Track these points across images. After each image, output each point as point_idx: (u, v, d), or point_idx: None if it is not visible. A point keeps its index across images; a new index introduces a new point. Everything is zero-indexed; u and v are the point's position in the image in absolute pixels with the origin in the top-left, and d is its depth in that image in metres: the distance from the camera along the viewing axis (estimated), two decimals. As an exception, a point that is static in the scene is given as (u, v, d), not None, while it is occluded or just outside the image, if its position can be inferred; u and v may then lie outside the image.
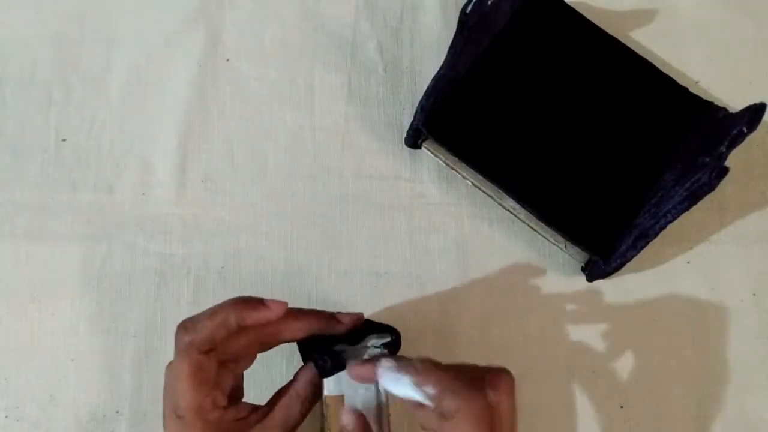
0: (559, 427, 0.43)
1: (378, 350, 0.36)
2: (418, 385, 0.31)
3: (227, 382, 0.34)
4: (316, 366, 0.35)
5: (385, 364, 0.32)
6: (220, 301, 0.44)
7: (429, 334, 0.44)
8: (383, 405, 0.34)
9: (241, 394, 0.36)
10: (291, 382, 0.35)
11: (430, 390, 0.31)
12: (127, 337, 0.43)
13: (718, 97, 0.48)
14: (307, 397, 0.34)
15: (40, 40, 0.48)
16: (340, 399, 0.34)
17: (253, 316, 0.33)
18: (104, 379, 0.42)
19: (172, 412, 0.32)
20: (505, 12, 0.46)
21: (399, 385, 0.31)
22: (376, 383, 0.34)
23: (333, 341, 0.35)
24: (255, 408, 0.34)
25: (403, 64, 0.49)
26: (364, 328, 0.37)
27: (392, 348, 0.36)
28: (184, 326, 0.33)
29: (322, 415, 0.35)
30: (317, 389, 0.35)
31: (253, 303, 0.33)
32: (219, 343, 0.33)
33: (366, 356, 0.35)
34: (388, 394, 0.35)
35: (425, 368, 0.31)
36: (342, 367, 0.34)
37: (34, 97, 0.47)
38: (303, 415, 0.34)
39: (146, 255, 0.44)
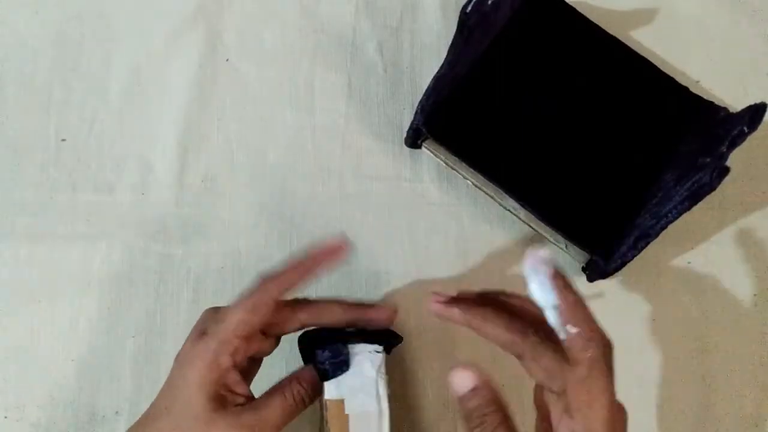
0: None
1: (379, 355, 0.35)
2: (563, 321, 0.29)
3: (252, 347, 0.34)
4: (317, 369, 0.35)
5: (544, 269, 0.29)
6: (220, 301, 0.44)
7: (429, 334, 0.44)
8: (383, 410, 0.34)
9: (253, 372, 0.36)
10: (290, 381, 0.35)
11: (569, 332, 0.29)
12: (127, 337, 0.43)
13: (718, 97, 0.48)
14: (303, 400, 0.34)
15: (40, 40, 0.48)
16: (341, 403, 0.34)
17: (327, 263, 0.35)
18: (104, 379, 0.42)
19: (197, 331, 0.33)
20: (505, 12, 0.46)
21: (542, 291, 0.29)
22: (377, 390, 0.34)
23: (333, 341, 0.35)
24: (251, 397, 0.34)
25: (403, 64, 0.49)
26: (356, 330, 0.36)
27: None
28: (268, 275, 0.34)
29: (322, 418, 0.35)
30: (316, 391, 0.35)
31: (324, 251, 0.35)
32: (294, 291, 0.34)
33: (365, 361, 0.35)
34: (388, 399, 0.34)
35: (576, 303, 0.30)
36: (342, 371, 0.34)
37: (34, 97, 0.47)
38: (295, 415, 0.34)
39: (146, 255, 0.44)
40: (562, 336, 0.29)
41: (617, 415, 0.30)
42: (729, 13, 0.52)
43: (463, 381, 0.31)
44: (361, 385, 0.34)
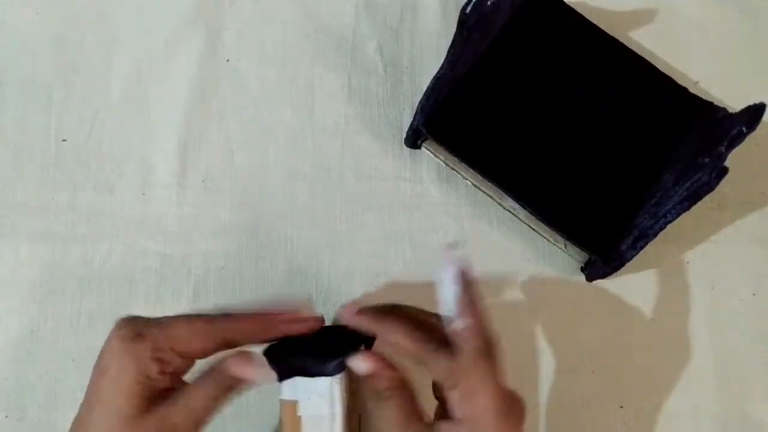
0: (559, 427, 0.43)
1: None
2: (457, 306, 0.32)
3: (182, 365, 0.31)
4: (277, 366, 0.33)
5: (453, 267, 0.33)
6: (220, 301, 0.44)
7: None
8: (336, 414, 0.33)
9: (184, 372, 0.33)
10: (221, 368, 0.31)
11: (464, 322, 0.32)
12: (127, 337, 0.43)
13: (718, 97, 0.48)
14: (225, 395, 0.31)
15: (40, 40, 0.48)
16: (294, 404, 0.33)
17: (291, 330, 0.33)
18: (104, 379, 0.42)
19: (131, 331, 0.30)
20: (505, 12, 0.46)
21: (447, 286, 0.32)
22: (331, 393, 0.33)
23: (301, 349, 0.34)
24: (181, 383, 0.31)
25: (403, 64, 0.49)
26: (330, 336, 0.35)
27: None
28: (254, 313, 0.33)
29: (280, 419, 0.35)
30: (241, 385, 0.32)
31: (299, 319, 0.33)
32: (241, 344, 0.32)
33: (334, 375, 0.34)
34: (342, 402, 0.33)
35: (471, 301, 0.32)
36: (299, 373, 0.33)
37: (34, 97, 0.47)
38: (220, 405, 0.31)
39: (146, 255, 0.44)
40: (452, 326, 0.32)
41: (510, 404, 0.31)
42: (729, 13, 0.52)
43: (359, 364, 0.32)
44: (315, 388, 0.33)
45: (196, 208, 0.46)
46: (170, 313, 0.42)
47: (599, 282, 0.45)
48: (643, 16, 0.51)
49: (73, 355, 0.43)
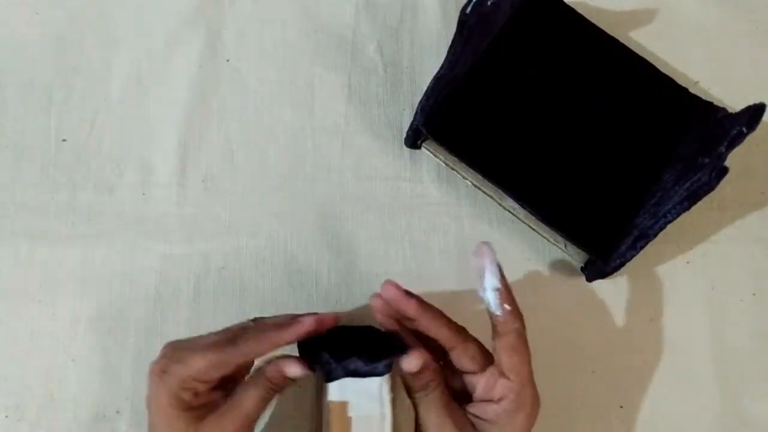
0: (559, 427, 0.43)
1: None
2: (501, 301, 0.35)
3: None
4: (323, 368, 0.34)
5: (492, 259, 0.35)
6: (220, 301, 0.44)
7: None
8: (386, 414, 0.33)
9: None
10: (265, 373, 0.34)
11: (505, 309, 0.35)
12: (127, 337, 0.43)
13: (718, 97, 0.48)
14: (271, 395, 0.34)
15: (40, 40, 0.48)
16: (344, 405, 0.33)
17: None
18: (104, 379, 0.42)
19: (158, 370, 0.34)
20: (505, 12, 0.46)
21: (489, 277, 0.35)
22: (380, 394, 0.33)
23: (350, 350, 0.34)
24: (225, 396, 0.34)
25: (403, 64, 0.49)
26: (372, 337, 0.36)
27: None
28: (262, 324, 0.36)
29: (322, 420, 0.35)
30: (286, 384, 0.34)
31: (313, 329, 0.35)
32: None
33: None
34: (393, 405, 0.34)
35: (509, 288, 0.36)
36: (349, 374, 0.33)
37: (34, 97, 0.47)
38: (267, 404, 0.35)
39: (146, 255, 0.44)
40: (498, 312, 0.35)
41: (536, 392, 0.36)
42: (729, 13, 0.52)
43: (413, 362, 0.34)
44: (365, 388, 0.33)
45: (196, 208, 0.46)
46: (170, 312, 0.43)
47: (599, 282, 0.45)
48: (643, 16, 0.51)
49: (73, 355, 0.43)
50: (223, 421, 0.33)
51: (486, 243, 0.35)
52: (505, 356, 0.35)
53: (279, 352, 0.35)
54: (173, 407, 0.33)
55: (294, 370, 0.34)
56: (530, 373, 0.35)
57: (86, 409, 0.42)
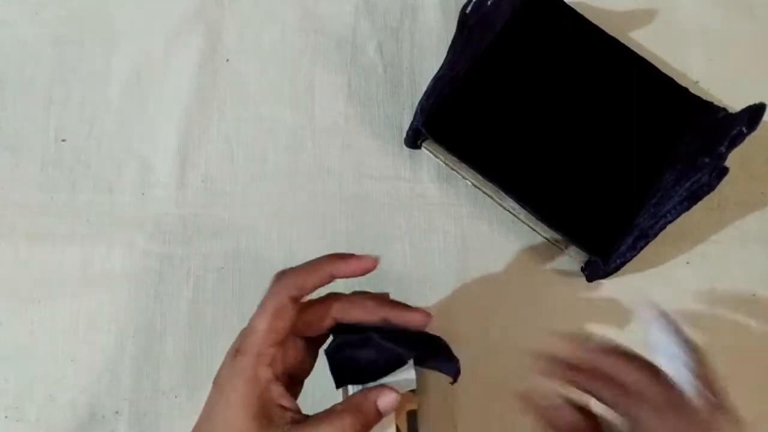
0: (559, 427, 0.43)
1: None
2: (695, 376, 0.32)
3: (290, 355, 0.32)
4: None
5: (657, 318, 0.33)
6: (220, 301, 0.44)
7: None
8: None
9: (296, 393, 0.34)
10: (345, 410, 0.31)
11: (710, 396, 0.32)
12: (127, 337, 0.43)
13: (718, 97, 0.48)
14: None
15: (40, 40, 0.48)
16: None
17: (345, 269, 0.33)
18: (104, 379, 0.42)
19: (232, 350, 0.31)
20: (505, 12, 0.46)
21: (668, 349, 0.32)
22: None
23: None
24: (299, 411, 0.31)
25: (403, 64, 0.49)
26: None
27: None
28: (282, 271, 0.33)
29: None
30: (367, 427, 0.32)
31: (346, 256, 0.33)
32: (309, 290, 0.32)
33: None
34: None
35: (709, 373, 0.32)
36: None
37: (34, 97, 0.47)
38: None
39: (146, 255, 0.44)
40: (700, 398, 0.31)
41: None
42: (729, 13, 0.52)
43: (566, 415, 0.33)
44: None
45: (196, 208, 0.46)
46: (170, 312, 0.43)
47: (599, 282, 0.45)
48: (643, 16, 0.51)
49: (73, 355, 0.43)
50: None
51: (646, 301, 0.34)
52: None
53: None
54: (249, 386, 0.30)
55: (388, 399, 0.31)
56: None
57: (86, 409, 0.42)
